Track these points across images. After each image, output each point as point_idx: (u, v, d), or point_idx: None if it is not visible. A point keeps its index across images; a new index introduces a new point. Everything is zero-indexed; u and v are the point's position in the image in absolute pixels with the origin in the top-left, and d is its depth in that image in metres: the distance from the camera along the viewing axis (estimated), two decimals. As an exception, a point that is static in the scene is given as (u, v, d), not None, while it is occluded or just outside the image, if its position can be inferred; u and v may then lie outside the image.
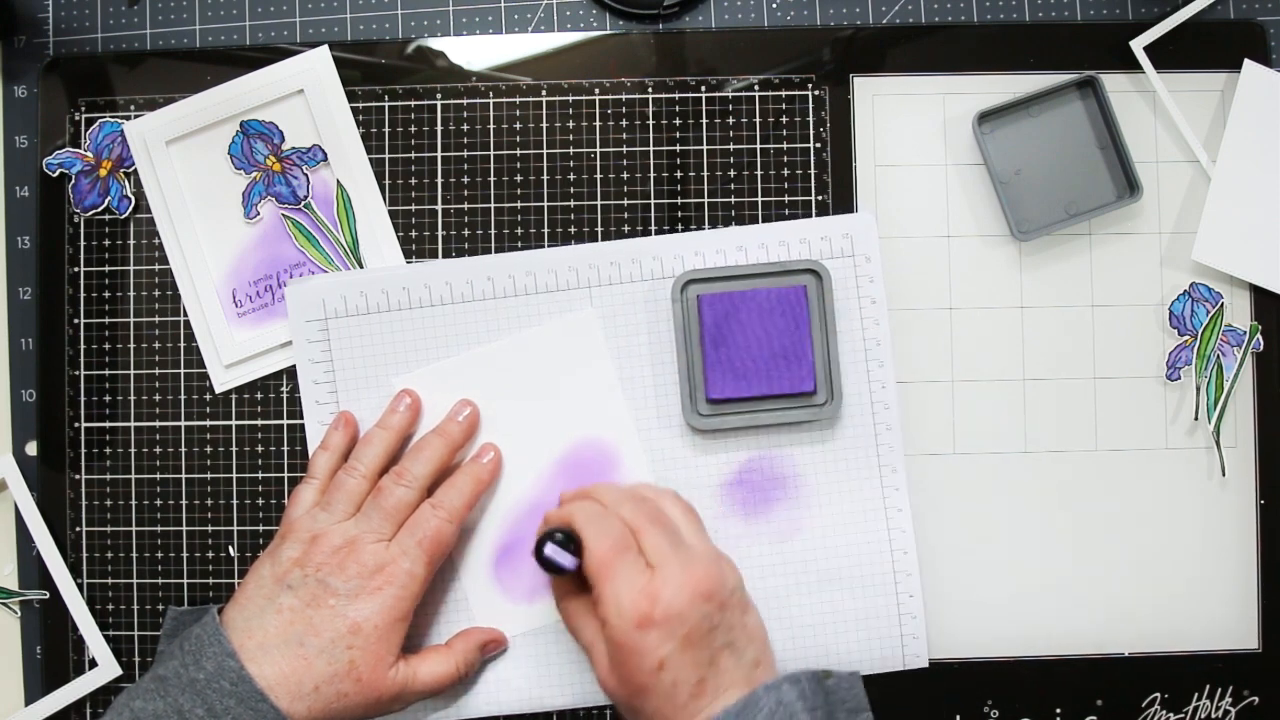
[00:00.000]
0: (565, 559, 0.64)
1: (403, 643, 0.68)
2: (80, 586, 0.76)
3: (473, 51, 0.77)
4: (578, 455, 0.75)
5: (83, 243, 0.77)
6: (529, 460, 0.75)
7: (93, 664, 0.76)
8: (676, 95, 0.77)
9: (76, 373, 0.77)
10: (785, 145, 0.77)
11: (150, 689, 0.64)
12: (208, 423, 0.77)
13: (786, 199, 0.77)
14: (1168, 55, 0.77)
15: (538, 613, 0.75)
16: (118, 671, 0.76)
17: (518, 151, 0.77)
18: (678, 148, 0.77)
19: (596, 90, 0.77)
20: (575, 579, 0.66)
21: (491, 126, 0.77)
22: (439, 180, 0.77)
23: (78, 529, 0.77)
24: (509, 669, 0.74)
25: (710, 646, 0.62)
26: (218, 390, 0.77)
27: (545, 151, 0.77)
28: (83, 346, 0.77)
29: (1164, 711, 0.76)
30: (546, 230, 0.77)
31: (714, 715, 0.60)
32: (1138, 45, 0.77)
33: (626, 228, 0.77)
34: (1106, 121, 0.76)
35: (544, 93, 0.77)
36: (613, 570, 0.62)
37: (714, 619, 0.62)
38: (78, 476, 0.77)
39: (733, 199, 0.77)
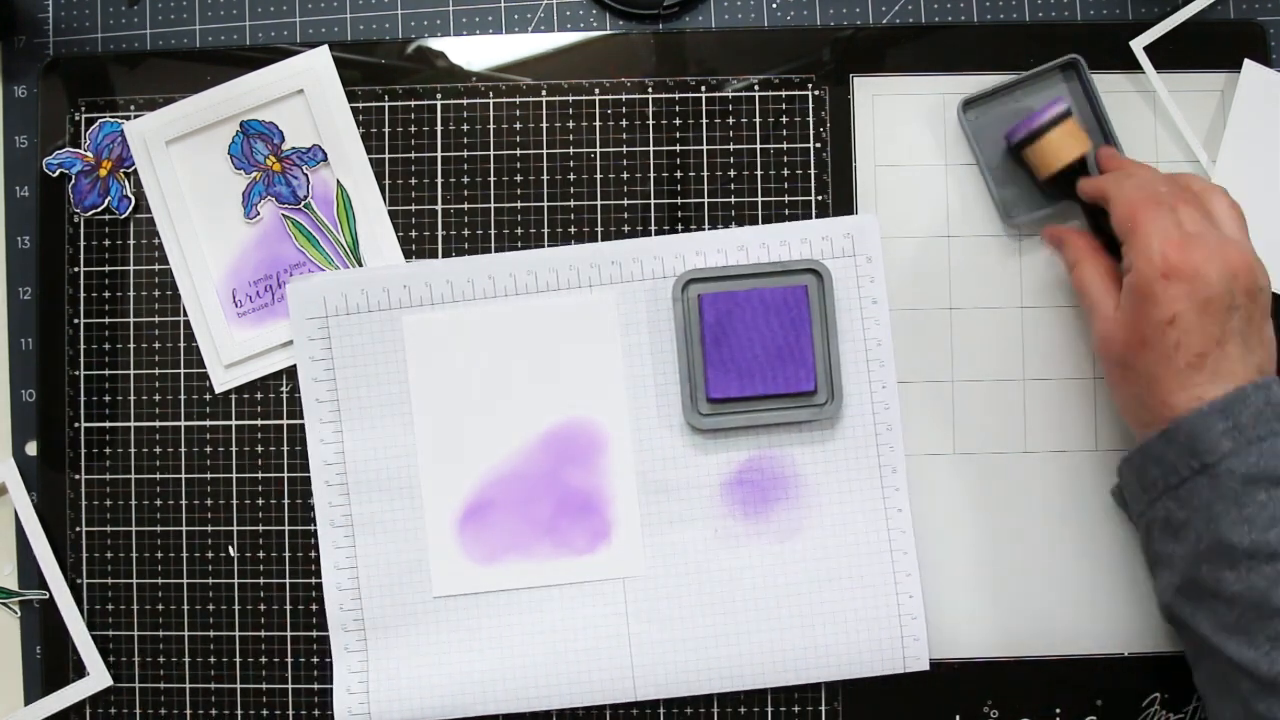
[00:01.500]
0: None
1: None
2: (80, 587, 0.76)
3: (473, 51, 0.77)
4: (566, 432, 0.75)
5: (83, 243, 0.77)
6: (515, 427, 0.75)
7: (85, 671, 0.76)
8: (676, 95, 0.77)
9: (76, 373, 0.77)
10: (785, 145, 0.77)
11: None
12: (208, 423, 0.77)
13: (786, 199, 0.77)
14: (1168, 55, 0.77)
15: (496, 576, 0.75)
16: (108, 681, 0.76)
17: (518, 151, 0.77)
18: (678, 148, 0.77)
19: (596, 90, 0.77)
20: (1094, 241, 0.69)
21: (491, 126, 0.77)
22: (439, 180, 0.77)
23: (78, 529, 0.77)
24: (506, 669, 0.74)
25: (1223, 324, 0.62)
26: (218, 390, 0.77)
27: (545, 151, 0.77)
28: (83, 346, 0.77)
29: (1164, 711, 0.76)
30: (546, 230, 0.77)
31: (1202, 401, 0.61)
32: (1138, 45, 0.77)
33: (626, 228, 0.77)
34: (1091, 103, 0.76)
35: (544, 93, 0.77)
36: (1147, 216, 0.63)
37: (1236, 299, 0.62)
38: (78, 476, 0.77)
39: (733, 199, 0.77)
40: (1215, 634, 0.62)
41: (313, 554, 0.76)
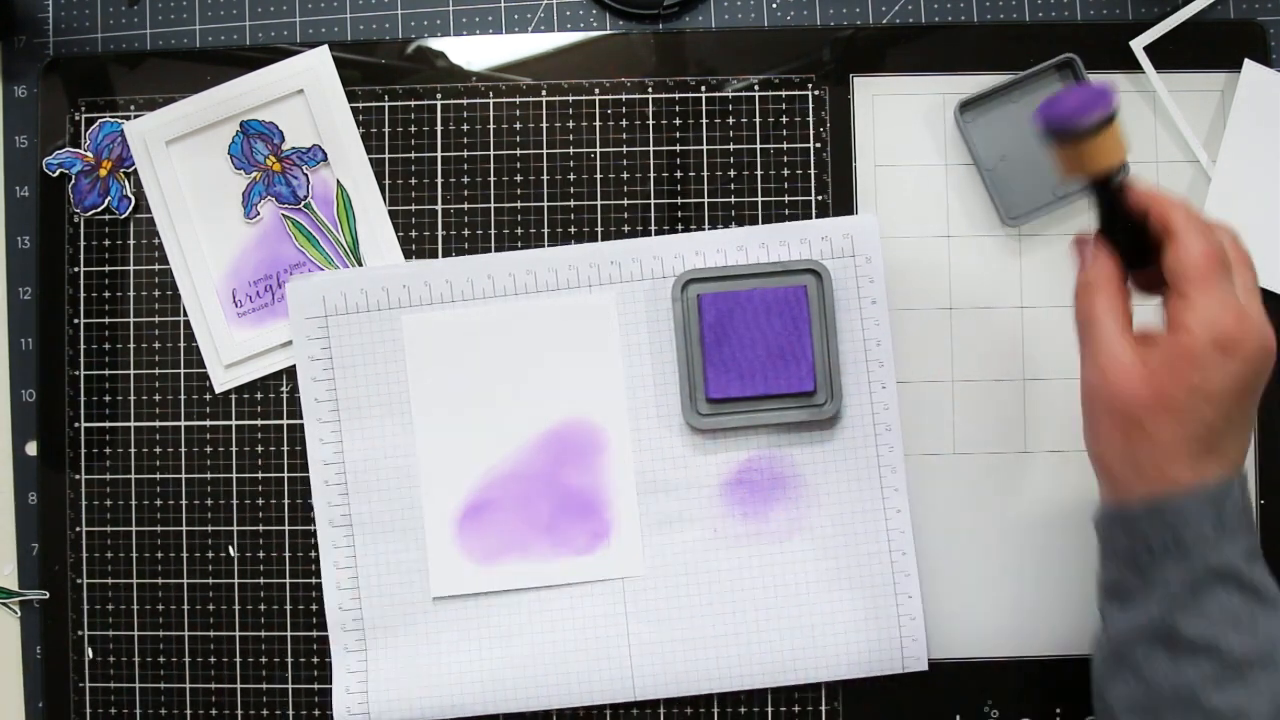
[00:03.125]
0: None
1: None
2: (80, 586, 0.76)
3: (473, 51, 0.77)
4: (565, 432, 0.75)
5: (83, 243, 0.77)
6: (514, 427, 0.75)
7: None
8: (676, 95, 0.77)
9: (76, 373, 0.77)
10: (785, 145, 0.77)
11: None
12: (208, 423, 0.77)
13: (786, 199, 0.77)
14: (1168, 55, 0.77)
15: (494, 576, 0.75)
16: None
17: (518, 151, 0.77)
18: (678, 148, 0.77)
19: (596, 90, 0.77)
20: (1118, 271, 0.60)
21: (491, 126, 0.77)
22: (439, 180, 0.77)
23: (78, 529, 0.77)
24: (506, 669, 0.75)
25: (1245, 413, 0.59)
26: (218, 390, 0.77)
27: (545, 151, 0.77)
28: (83, 346, 0.77)
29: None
30: (546, 230, 0.77)
31: (1200, 483, 0.57)
32: (1138, 45, 0.77)
33: (626, 228, 0.77)
34: None
35: (544, 93, 0.77)
36: (1213, 278, 0.57)
37: (1261, 388, 0.59)
38: (78, 476, 0.77)
39: (733, 199, 0.77)
40: (1128, 712, 0.60)
41: (313, 554, 0.76)
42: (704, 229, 0.76)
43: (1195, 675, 0.58)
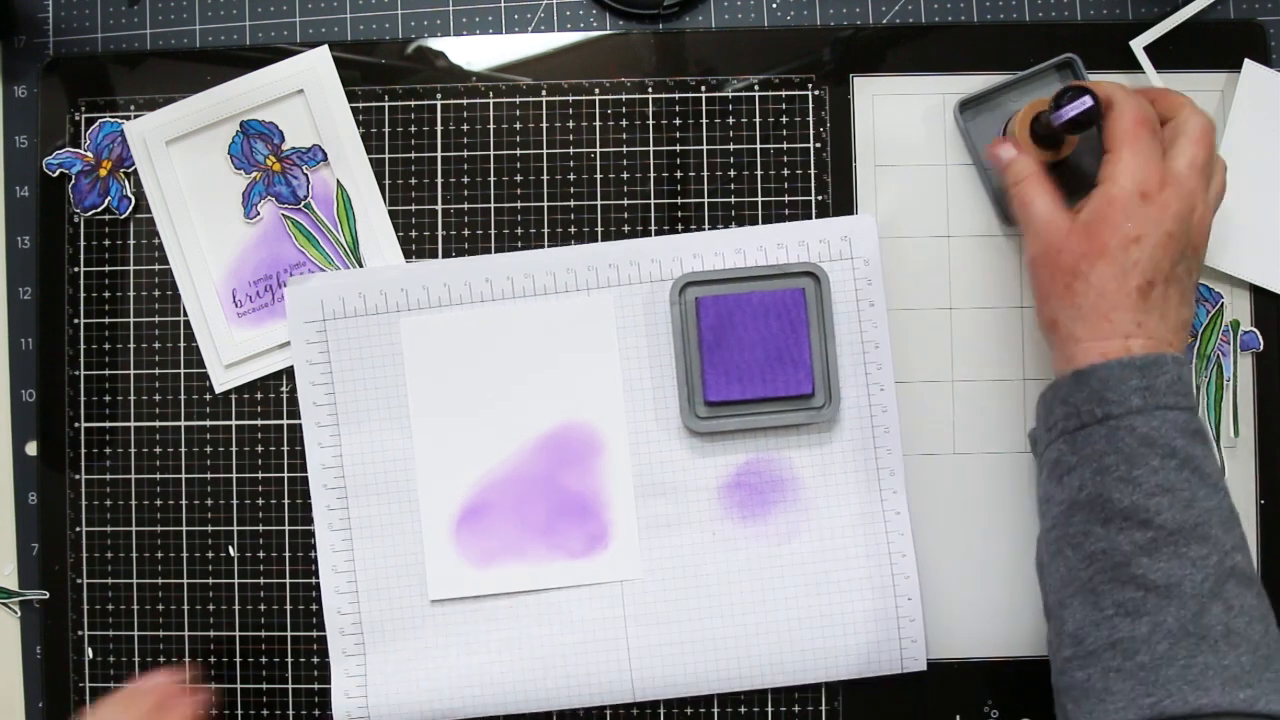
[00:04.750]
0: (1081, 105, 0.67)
1: None
2: (80, 586, 0.77)
3: (473, 51, 0.77)
4: (563, 435, 0.75)
5: (83, 243, 0.77)
6: (512, 430, 0.75)
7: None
8: (676, 95, 0.77)
9: (76, 373, 0.77)
10: (785, 145, 0.77)
11: None
12: (208, 423, 0.77)
13: (786, 199, 0.77)
14: (1168, 55, 0.77)
15: (492, 579, 0.75)
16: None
17: (518, 151, 0.77)
18: (678, 148, 0.77)
19: (596, 90, 0.77)
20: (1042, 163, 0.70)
21: (491, 126, 0.77)
22: (439, 180, 0.77)
23: (78, 529, 0.77)
24: (505, 671, 0.75)
25: (1174, 262, 0.64)
26: (218, 390, 0.77)
27: (545, 151, 0.77)
28: (83, 346, 0.77)
29: (1163, 711, 0.76)
30: (546, 230, 0.77)
31: (1123, 356, 0.62)
32: (1138, 45, 0.76)
33: (626, 228, 0.77)
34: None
35: (544, 93, 0.77)
36: (1140, 139, 0.65)
37: (1186, 247, 0.65)
38: (78, 476, 0.77)
39: (732, 199, 0.77)
40: (1063, 588, 0.63)
41: (312, 554, 0.76)
42: (704, 229, 0.76)
43: (1127, 544, 0.60)
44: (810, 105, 0.77)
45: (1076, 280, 0.64)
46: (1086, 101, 0.67)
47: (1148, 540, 0.59)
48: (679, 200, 0.77)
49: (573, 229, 0.77)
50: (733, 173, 0.77)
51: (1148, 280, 0.63)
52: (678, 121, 0.77)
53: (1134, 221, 0.63)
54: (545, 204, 0.77)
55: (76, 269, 0.77)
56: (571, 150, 0.77)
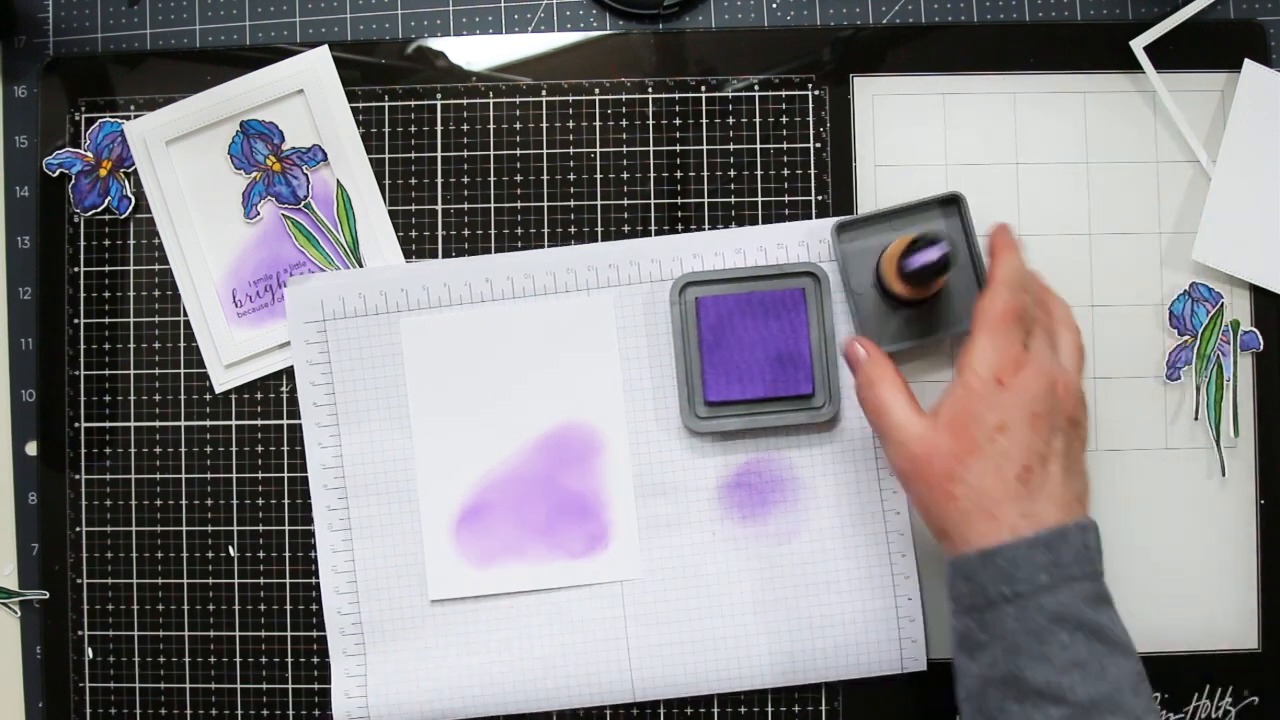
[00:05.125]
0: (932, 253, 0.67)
1: None
2: (80, 586, 0.77)
3: (473, 51, 0.77)
4: (563, 435, 0.75)
5: (83, 243, 0.77)
6: (512, 430, 0.75)
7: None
8: (676, 95, 0.77)
9: (76, 373, 0.77)
10: (785, 145, 0.77)
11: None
12: (208, 423, 0.77)
13: (786, 199, 0.77)
14: (1168, 55, 0.77)
15: (492, 579, 0.75)
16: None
17: (518, 151, 0.77)
18: (678, 148, 0.77)
19: (596, 90, 0.77)
20: (895, 365, 0.67)
21: (491, 126, 0.77)
22: (439, 180, 0.77)
23: (78, 529, 0.77)
24: (505, 671, 0.75)
25: (1048, 441, 0.62)
26: (218, 390, 0.77)
27: (545, 151, 0.77)
28: (83, 346, 0.77)
29: (1164, 711, 0.76)
30: (546, 230, 0.77)
31: (1028, 527, 0.60)
32: (1138, 45, 0.76)
33: (626, 228, 0.77)
34: (968, 241, 0.74)
35: (544, 93, 0.77)
36: (1000, 327, 0.63)
37: (1059, 422, 0.63)
38: (78, 476, 0.77)
39: (732, 199, 0.77)
40: None
41: (312, 554, 0.76)
42: (704, 229, 0.76)
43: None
44: (810, 105, 0.77)
45: (954, 484, 0.62)
46: (933, 254, 0.66)
47: (1063, 716, 0.58)
48: (679, 200, 0.77)
49: (573, 229, 0.77)
50: (733, 173, 0.77)
51: (1024, 466, 0.61)
52: (678, 121, 0.77)
53: (995, 410, 0.62)
54: (545, 204, 0.77)
55: (76, 269, 0.77)
56: (571, 150, 0.77)
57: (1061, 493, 0.62)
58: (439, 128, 0.77)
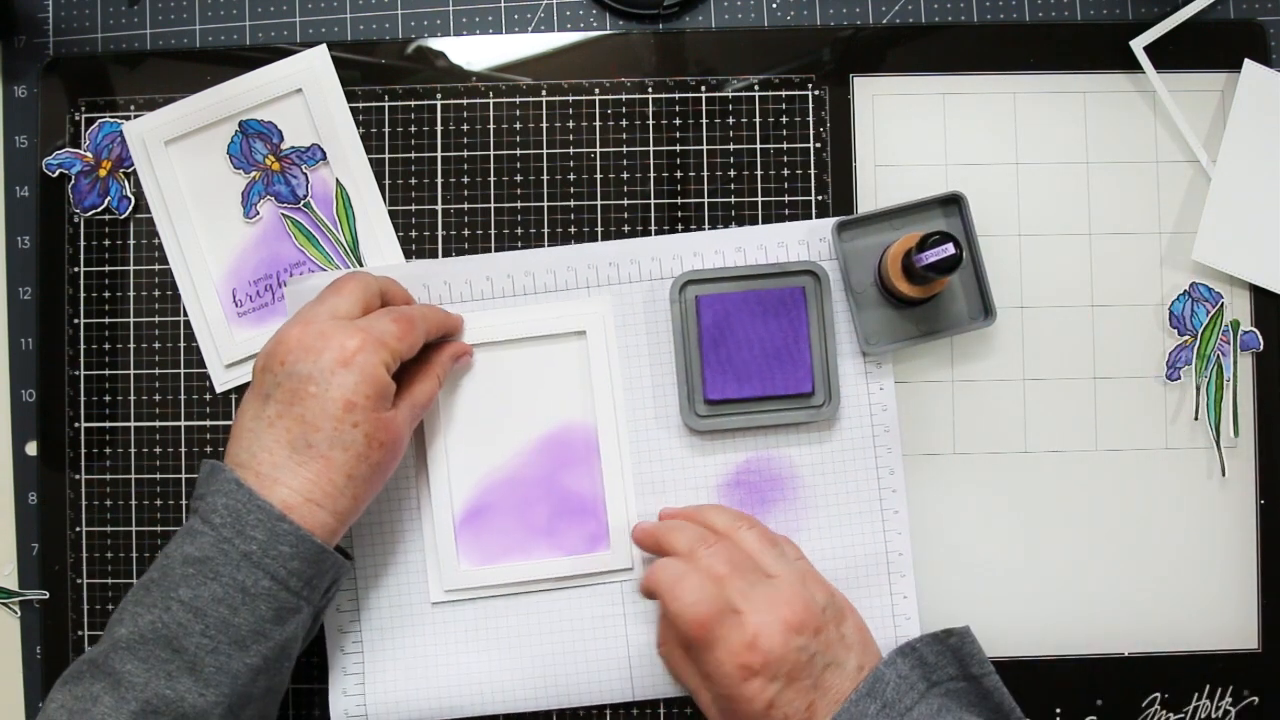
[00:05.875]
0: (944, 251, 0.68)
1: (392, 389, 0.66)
2: (80, 586, 0.76)
3: (473, 51, 0.77)
4: (563, 435, 0.75)
5: (83, 243, 0.77)
6: (513, 431, 0.75)
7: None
8: (676, 95, 0.77)
9: (76, 373, 0.77)
10: (785, 145, 0.77)
11: (191, 575, 0.61)
12: (208, 423, 0.77)
13: (786, 199, 0.77)
14: (1168, 55, 0.77)
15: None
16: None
17: (518, 151, 0.77)
18: (678, 148, 0.77)
19: (596, 90, 0.77)
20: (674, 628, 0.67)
21: (491, 126, 0.77)
22: (439, 180, 0.77)
23: (78, 529, 0.77)
24: (504, 670, 0.75)
25: (813, 674, 0.64)
26: (218, 390, 0.77)
27: (545, 151, 0.77)
28: (83, 346, 0.77)
29: (1164, 711, 0.76)
30: (546, 230, 0.77)
31: (850, 693, 0.63)
32: (1138, 45, 0.76)
33: (626, 228, 0.77)
34: (969, 242, 0.74)
35: (544, 93, 0.77)
36: (711, 635, 0.64)
37: (811, 648, 0.64)
38: (78, 476, 0.77)
39: (733, 199, 0.77)
40: None
41: (312, 554, 0.76)
42: (704, 229, 0.76)
43: None
44: (810, 105, 0.77)
45: (773, 710, 0.64)
46: (948, 249, 0.67)
47: None
48: (679, 200, 0.77)
49: (573, 229, 0.77)
50: (733, 173, 0.77)
51: (808, 705, 0.63)
52: (678, 121, 0.77)
53: (755, 698, 0.63)
54: (545, 204, 0.77)
55: (76, 269, 0.77)
56: (571, 150, 0.77)
57: (846, 685, 0.64)
58: (439, 128, 0.77)
